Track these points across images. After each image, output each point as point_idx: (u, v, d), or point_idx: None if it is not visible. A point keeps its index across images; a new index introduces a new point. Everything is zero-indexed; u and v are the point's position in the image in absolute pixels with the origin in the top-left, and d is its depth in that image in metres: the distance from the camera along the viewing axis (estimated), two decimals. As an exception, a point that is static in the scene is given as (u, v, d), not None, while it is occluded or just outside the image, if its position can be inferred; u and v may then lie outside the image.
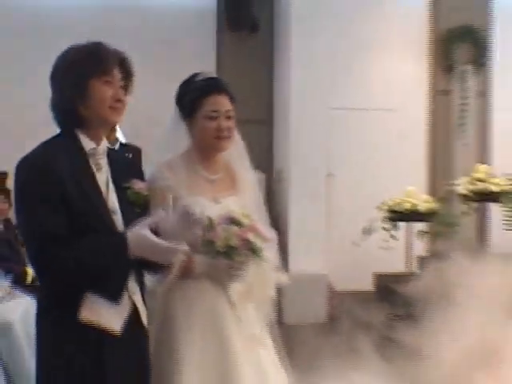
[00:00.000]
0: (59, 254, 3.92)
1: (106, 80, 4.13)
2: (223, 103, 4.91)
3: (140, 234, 4.01)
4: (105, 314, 4.05)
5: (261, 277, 4.75)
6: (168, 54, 13.16)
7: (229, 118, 4.93)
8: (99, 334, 4.05)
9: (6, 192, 9.86)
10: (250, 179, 5.24)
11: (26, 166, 4.08)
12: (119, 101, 4.19)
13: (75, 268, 3.95)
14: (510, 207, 11.59)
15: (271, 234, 4.89)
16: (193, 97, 4.90)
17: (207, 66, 13.62)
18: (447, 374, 7.09)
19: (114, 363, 4.09)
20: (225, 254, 4.50)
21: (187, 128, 4.97)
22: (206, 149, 4.95)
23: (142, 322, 4.33)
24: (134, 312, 4.24)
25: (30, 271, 9.58)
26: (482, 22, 14.22)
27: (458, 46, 14.08)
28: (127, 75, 4.26)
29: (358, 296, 12.50)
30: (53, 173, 3.95)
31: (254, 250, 4.52)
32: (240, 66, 14.27)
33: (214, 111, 4.84)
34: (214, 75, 5.31)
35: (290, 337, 6.54)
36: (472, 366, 7.16)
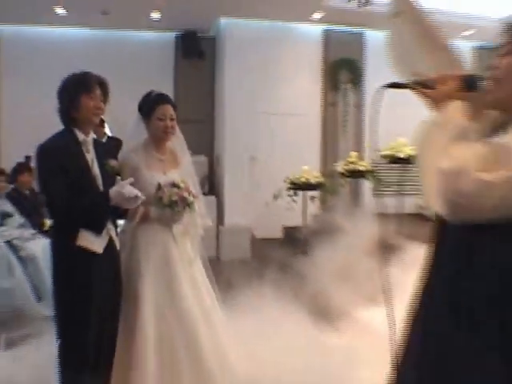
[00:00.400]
0: (64, 205, 4.47)
1: (90, 96, 4.67)
2: (168, 110, 5.23)
3: (117, 190, 4.51)
4: (93, 241, 4.56)
5: (192, 220, 5.22)
6: (138, 74, 13.31)
7: (172, 119, 5.26)
8: (89, 253, 4.54)
9: (30, 169, 9.83)
10: (186, 159, 5.55)
11: (42, 150, 4.63)
12: (98, 108, 4.75)
13: (75, 213, 4.51)
14: (372, 181, 12.02)
15: (199, 193, 5.39)
16: (149, 106, 5.23)
17: (167, 83, 14.35)
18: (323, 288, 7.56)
19: (98, 272, 4.57)
20: (169, 206, 4.98)
21: (145, 126, 5.28)
22: (157, 139, 5.26)
23: (115, 247, 4.83)
24: (110, 241, 4.75)
25: (47, 222, 9.72)
26: (357, 53, 14.54)
27: (341, 72, 14.45)
28: (104, 92, 4.83)
29: (271, 241, 12.90)
30: (56, 155, 4.54)
31: (187, 203, 5.03)
32: (190, 83, 14.46)
33: (163, 115, 5.19)
34: (163, 92, 5.55)
35: (224, 268, 6.92)
36: (340, 280, 7.59)
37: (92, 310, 4.55)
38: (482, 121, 2.71)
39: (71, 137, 4.70)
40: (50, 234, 5.56)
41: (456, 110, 2.52)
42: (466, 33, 14.44)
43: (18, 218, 9.20)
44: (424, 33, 3.11)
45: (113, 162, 4.88)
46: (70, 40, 13.89)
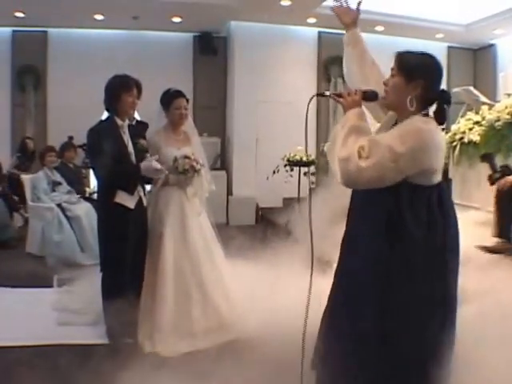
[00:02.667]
0: (107, 173, 5.24)
1: (129, 94, 5.45)
2: (182, 102, 5.93)
3: (146, 164, 5.35)
4: (126, 199, 5.42)
5: (200, 183, 5.96)
6: (163, 68, 13.58)
7: (185, 109, 5.96)
8: (125, 208, 5.37)
9: (74, 147, 10.66)
10: (196, 139, 6.25)
11: (92, 132, 5.41)
12: (134, 103, 5.52)
13: (115, 179, 5.31)
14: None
15: (205, 163, 6.08)
16: (168, 99, 5.94)
17: (188, 76, 14.65)
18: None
19: (130, 221, 5.40)
20: (183, 173, 5.75)
21: (165, 114, 5.98)
22: (174, 124, 5.97)
23: (143, 204, 5.66)
24: (140, 199, 5.58)
25: (88, 189, 10.61)
26: (342, 52, 14.48)
27: (332, 67, 14.82)
28: (139, 91, 5.61)
29: (273, 210, 13.19)
30: (102, 135, 5.28)
31: (196, 170, 5.80)
32: (206, 75, 14.82)
33: (179, 106, 5.90)
34: (178, 88, 6.09)
35: (233, 231, 7.22)
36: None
37: (127, 249, 5.38)
38: (385, 119, 3.43)
39: (112, 122, 5.49)
40: (96, 195, 6.36)
41: (354, 114, 3.15)
42: (439, 35, 14.88)
43: (65, 186, 9.78)
44: (360, 57, 3.78)
45: (142, 141, 5.67)
46: (105, 40, 14.25)
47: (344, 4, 3.90)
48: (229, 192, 14.41)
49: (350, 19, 3.85)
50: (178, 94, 6.03)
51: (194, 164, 5.83)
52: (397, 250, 3.06)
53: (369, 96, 3.32)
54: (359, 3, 3.93)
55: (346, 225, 3.49)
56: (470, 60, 16.11)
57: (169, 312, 5.55)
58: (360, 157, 2.91)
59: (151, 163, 5.39)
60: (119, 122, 5.51)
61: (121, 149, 5.46)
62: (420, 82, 3.13)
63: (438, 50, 14.40)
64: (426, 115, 3.15)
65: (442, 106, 3.18)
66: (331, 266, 6.21)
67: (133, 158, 5.56)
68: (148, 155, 5.59)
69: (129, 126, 5.66)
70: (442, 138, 3.08)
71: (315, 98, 3.47)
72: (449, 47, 15.65)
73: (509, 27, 13.88)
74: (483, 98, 9.56)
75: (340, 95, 3.30)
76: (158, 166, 5.43)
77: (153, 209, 5.90)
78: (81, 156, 12.32)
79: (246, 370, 4.55)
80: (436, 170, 3.06)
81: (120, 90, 5.47)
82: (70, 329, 5.92)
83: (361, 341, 3.15)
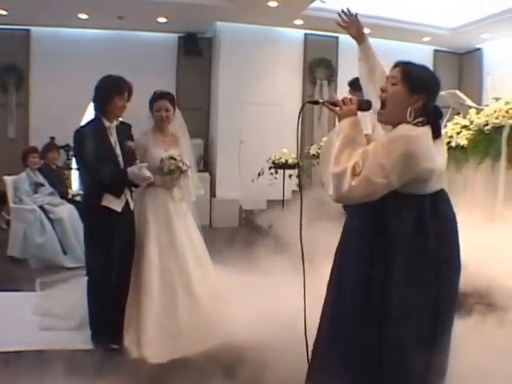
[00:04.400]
0: (94, 175, 5.21)
1: (120, 97, 5.36)
2: (163, 104, 5.86)
3: (134, 171, 5.30)
4: (114, 202, 5.32)
5: (186, 184, 5.92)
6: (147, 69, 13.50)
7: (167, 111, 5.87)
8: (110, 211, 5.28)
9: (57, 148, 10.61)
10: (185, 141, 6.17)
11: (78, 133, 5.28)
12: (124, 107, 5.43)
13: (101, 182, 5.21)
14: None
15: (193, 165, 6.06)
16: (151, 102, 5.91)
17: (171, 76, 14.69)
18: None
19: (118, 224, 5.30)
20: (168, 173, 5.71)
21: (151, 116, 5.94)
22: (158, 125, 5.92)
23: (130, 207, 5.57)
24: (127, 202, 5.49)
25: (70, 191, 10.48)
26: (332, 54, 15.03)
27: (318, 69, 14.96)
28: (129, 94, 5.45)
29: (257, 212, 13.10)
30: (89, 137, 5.16)
31: (182, 171, 5.75)
32: (190, 76, 14.85)
33: (159, 108, 5.86)
34: (163, 90, 6.09)
35: (216, 234, 7.24)
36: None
37: (113, 252, 5.29)
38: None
39: (100, 123, 5.38)
40: (82, 197, 6.26)
41: (350, 124, 3.12)
42: (425, 39, 14.95)
43: (48, 187, 9.67)
44: (371, 71, 3.83)
45: (130, 143, 5.60)
46: (89, 40, 14.22)
47: (344, 16, 4.06)
48: (212, 194, 14.43)
49: (356, 31, 3.99)
50: (160, 96, 5.99)
51: (180, 165, 5.77)
52: (381, 262, 3.06)
53: (363, 104, 3.31)
54: (356, 14, 4.05)
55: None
56: (456, 64, 16.20)
57: (155, 316, 5.47)
58: (354, 174, 2.88)
59: (140, 172, 5.37)
60: (107, 123, 5.42)
61: (108, 151, 5.37)
62: (423, 96, 3.14)
63: (424, 53, 14.60)
64: (422, 124, 3.10)
65: (437, 121, 3.19)
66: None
67: (120, 160, 5.46)
68: (137, 162, 5.53)
69: (116, 127, 5.57)
70: (430, 144, 3.03)
71: (302, 98, 3.40)
72: (435, 50, 15.71)
73: (496, 32, 13.96)
74: (469, 102, 9.57)
75: (335, 103, 3.25)
76: (147, 173, 5.42)
77: (138, 210, 5.83)
78: (63, 157, 12.20)
79: (234, 376, 4.54)
80: (427, 177, 3.02)
81: (111, 92, 5.39)
82: (54, 334, 5.77)
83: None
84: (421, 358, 2.95)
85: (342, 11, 4.07)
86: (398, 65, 3.27)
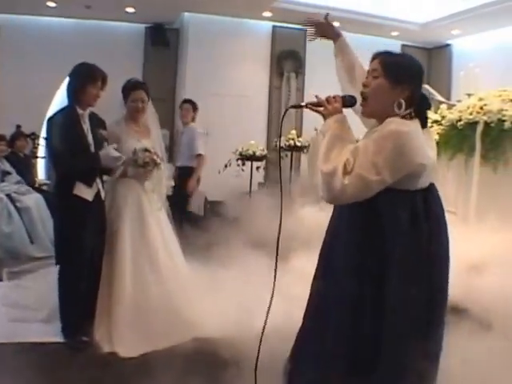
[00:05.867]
0: (66, 163, 5.12)
1: (94, 86, 5.27)
2: (140, 95, 5.77)
3: (104, 152, 5.22)
4: (85, 191, 5.22)
5: (159, 177, 5.79)
6: (113, 59, 12.42)
7: (143, 102, 5.77)
8: (82, 200, 5.18)
9: (25, 136, 10.59)
10: (156, 131, 6.07)
11: (51, 121, 5.20)
12: (97, 96, 5.33)
13: (73, 169, 5.16)
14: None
15: (163, 155, 5.98)
16: (127, 91, 5.79)
17: (138, 67, 14.49)
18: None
19: (89, 213, 5.23)
20: (142, 166, 5.57)
21: (124, 105, 5.81)
22: (131, 116, 5.80)
23: (101, 197, 5.47)
24: (98, 191, 5.38)
25: (37, 180, 10.45)
26: (300, 47, 14.85)
27: (286, 61, 14.88)
28: (103, 83, 5.35)
29: (222, 203, 12.66)
30: (61, 125, 5.08)
31: (156, 164, 5.64)
32: (157, 67, 14.69)
33: (135, 99, 5.74)
34: (139, 79, 6.09)
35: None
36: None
37: (84, 242, 5.19)
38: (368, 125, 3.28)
39: (73, 111, 5.28)
40: (53, 186, 6.25)
41: (336, 121, 2.99)
42: (394, 33, 15.01)
43: (15, 176, 9.55)
44: (350, 67, 3.69)
45: (103, 132, 5.48)
46: (57, 28, 14.02)
47: (315, 22, 3.94)
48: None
49: (330, 32, 3.85)
50: (137, 86, 5.89)
51: (155, 157, 5.68)
52: (372, 260, 2.95)
53: (348, 101, 3.17)
54: (327, 15, 3.88)
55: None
56: (425, 59, 16.12)
57: (126, 311, 5.34)
58: (345, 172, 2.76)
59: (109, 151, 5.27)
60: (80, 111, 5.33)
61: (80, 139, 5.28)
62: (408, 86, 3.03)
63: (391, 47, 14.35)
64: (410, 116, 3.01)
65: (424, 110, 3.11)
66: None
67: (92, 148, 5.37)
68: (105, 144, 5.43)
69: (89, 115, 5.46)
70: (422, 138, 2.92)
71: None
72: (403, 45, 15.62)
73: (466, 28, 14.08)
74: (439, 97, 9.55)
75: (318, 104, 3.11)
76: (116, 153, 5.32)
77: (110, 201, 5.68)
78: (29, 145, 12.00)
79: (205, 370, 4.51)
80: (420, 173, 2.91)
81: (85, 80, 5.30)
82: (22, 326, 5.59)
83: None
84: (417, 354, 2.86)
85: (310, 19, 3.95)
86: (376, 56, 3.15)
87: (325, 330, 3.14)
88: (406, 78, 3.04)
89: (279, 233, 3.21)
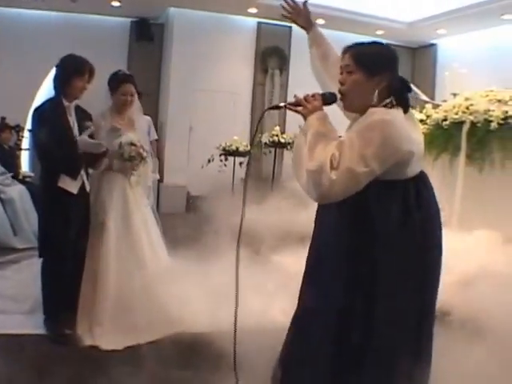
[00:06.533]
0: (51, 155, 5.08)
1: (81, 78, 5.21)
2: (130, 88, 5.67)
3: (82, 138, 5.19)
4: (69, 184, 5.17)
5: (145, 171, 5.78)
6: (98, 53, 12.54)
7: (132, 95, 5.69)
8: (67, 193, 5.13)
9: (10, 128, 10.53)
10: (141, 124, 6.09)
11: (37, 112, 5.15)
12: (84, 88, 5.28)
13: (59, 161, 5.11)
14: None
15: (150, 149, 5.96)
16: (115, 83, 5.66)
17: (122, 61, 14.37)
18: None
19: (73, 205, 5.19)
20: (128, 160, 5.54)
21: (111, 97, 5.70)
22: (118, 109, 5.70)
23: (86, 189, 5.43)
24: (82, 184, 5.34)
25: (21, 172, 10.41)
26: (285, 44, 14.90)
27: (270, 58, 14.91)
28: (91, 76, 5.30)
29: (204, 198, 13.20)
30: (47, 116, 5.05)
31: (142, 157, 5.62)
32: (141, 62, 14.61)
33: (125, 92, 5.64)
34: (127, 72, 5.97)
35: (162, 218, 7.10)
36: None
37: (68, 234, 5.17)
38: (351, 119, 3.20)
39: (59, 103, 5.24)
40: (38, 178, 6.16)
41: (317, 119, 2.90)
42: (379, 32, 15.02)
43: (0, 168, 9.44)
44: (324, 57, 3.69)
45: (88, 123, 5.40)
46: (42, 21, 13.93)
47: (288, 6, 3.85)
48: (160, 179, 14.09)
49: (304, 20, 3.82)
50: (127, 79, 5.78)
51: (141, 151, 5.64)
52: (362, 266, 2.90)
53: (328, 98, 3.09)
54: (305, 2, 3.84)
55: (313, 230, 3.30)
56: (409, 58, 16.30)
57: (110, 304, 5.32)
58: (332, 167, 2.66)
59: (84, 137, 5.24)
60: (66, 103, 5.28)
61: (66, 131, 5.23)
62: (384, 74, 2.97)
63: (375, 46, 14.47)
64: (392, 105, 2.95)
65: (405, 94, 3.05)
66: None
67: (75, 141, 5.28)
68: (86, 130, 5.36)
69: (75, 107, 5.42)
70: (406, 125, 2.87)
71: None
72: (387, 44, 15.47)
73: (452, 28, 14.14)
74: (424, 97, 9.56)
75: (298, 104, 3.02)
76: (93, 140, 5.30)
77: (95, 194, 5.63)
78: (13, 137, 11.94)
79: (188, 365, 4.49)
80: (408, 160, 2.85)
81: (72, 72, 5.24)
82: (4, 317, 5.58)
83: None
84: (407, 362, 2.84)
85: (286, 0, 3.86)
86: (346, 51, 3.09)
87: (312, 337, 3.10)
88: (381, 67, 2.98)
89: (241, 227, 3.14)
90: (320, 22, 13.66)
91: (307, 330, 3.14)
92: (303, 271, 3.28)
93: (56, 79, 5.32)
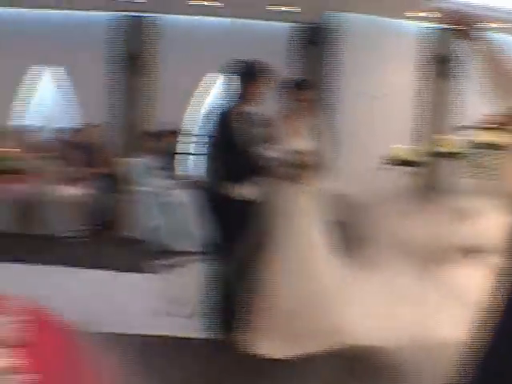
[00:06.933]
0: (228, 161, 5.14)
1: (255, 85, 5.28)
2: (309, 95, 5.60)
3: (258, 152, 5.17)
4: (245, 192, 5.21)
5: (314, 181, 5.58)
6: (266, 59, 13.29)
7: (310, 101, 5.60)
8: (241, 200, 5.18)
9: (173, 133, 10.88)
10: (312, 131, 5.70)
11: (210, 119, 5.31)
12: (261, 93, 5.36)
13: (237, 170, 5.15)
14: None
15: (320, 156, 5.62)
16: (294, 89, 5.56)
17: (289, 66, 13.94)
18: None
19: (246, 213, 5.20)
20: (300, 168, 5.40)
21: (285, 102, 5.59)
22: (293, 114, 5.57)
23: (258, 198, 5.37)
24: (256, 192, 5.35)
25: (187, 176, 10.42)
26: (448, 49, 14.42)
27: (435, 64, 14.57)
28: (267, 80, 5.37)
29: (365, 205, 12.93)
30: (223, 123, 5.16)
31: (313, 167, 5.47)
32: (305, 66, 14.59)
33: (304, 99, 5.53)
34: (307, 79, 6.06)
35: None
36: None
37: (236, 240, 5.18)
38: None
39: (234, 109, 5.30)
40: (211, 185, 5.77)
41: None
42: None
43: (165, 172, 9.75)
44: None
45: (264, 131, 5.40)
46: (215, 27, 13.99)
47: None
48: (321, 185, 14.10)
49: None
50: (307, 85, 5.80)
51: (311, 160, 5.49)
52: None
53: None
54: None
55: None
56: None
57: (275, 312, 5.27)
58: None
59: (263, 151, 5.27)
60: (241, 109, 5.33)
61: (242, 139, 5.24)
62: None
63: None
64: None
65: None
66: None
67: (252, 148, 5.30)
68: (264, 144, 5.37)
69: (252, 113, 5.44)
70: None
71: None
72: None
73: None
74: None
75: None
76: (271, 153, 5.27)
77: (265, 203, 5.52)
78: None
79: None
80: None
81: (246, 80, 5.31)
82: (166, 319, 5.76)
83: None
84: None
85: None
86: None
87: None
88: None
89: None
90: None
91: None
92: None
93: (230, 85, 5.37)
